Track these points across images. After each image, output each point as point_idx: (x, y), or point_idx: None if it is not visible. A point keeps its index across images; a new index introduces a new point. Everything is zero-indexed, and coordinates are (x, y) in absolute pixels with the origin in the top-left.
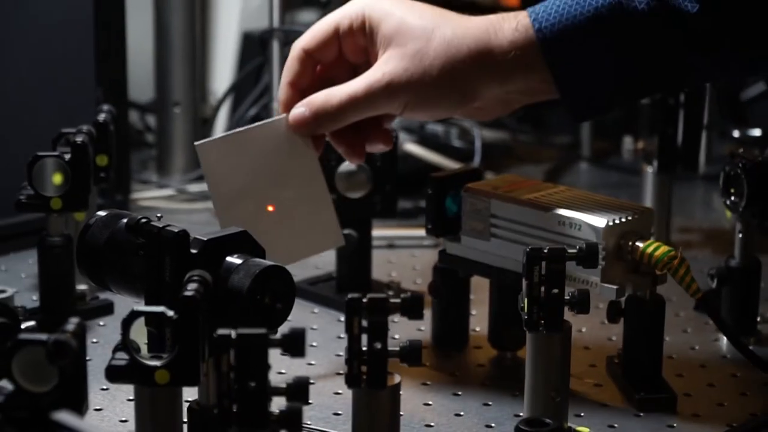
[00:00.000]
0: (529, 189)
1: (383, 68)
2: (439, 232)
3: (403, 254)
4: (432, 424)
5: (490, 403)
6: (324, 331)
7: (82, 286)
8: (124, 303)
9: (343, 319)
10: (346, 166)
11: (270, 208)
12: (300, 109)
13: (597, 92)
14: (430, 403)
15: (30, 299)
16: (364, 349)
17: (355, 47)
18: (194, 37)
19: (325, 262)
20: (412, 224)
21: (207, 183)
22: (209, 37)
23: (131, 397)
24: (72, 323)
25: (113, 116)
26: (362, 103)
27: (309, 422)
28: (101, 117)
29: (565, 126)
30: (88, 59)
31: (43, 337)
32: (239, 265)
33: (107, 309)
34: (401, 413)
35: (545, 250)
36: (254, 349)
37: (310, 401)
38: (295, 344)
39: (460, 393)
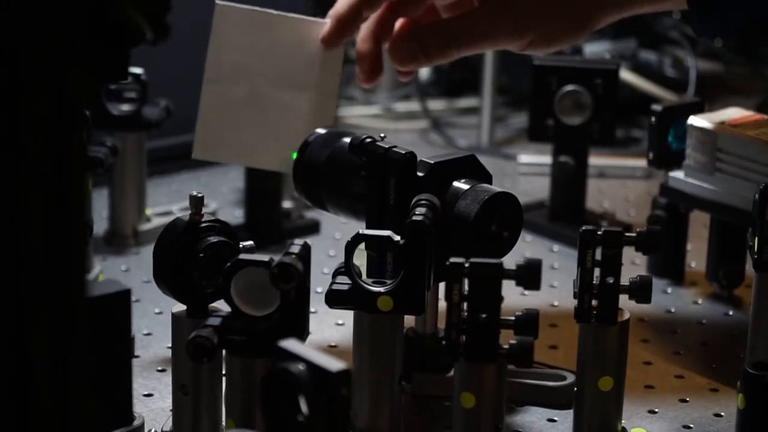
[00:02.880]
0: (756, 124)
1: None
2: (662, 164)
3: (614, 184)
4: (650, 361)
5: (707, 343)
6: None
7: (287, 204)
8: (330, 222)
9: (556, 249)
10: (568, 89)
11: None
12: (405, 41)
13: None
14: (648, 339)
15: (233, 215)
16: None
17: None
18: None
19: (536, 188)
20: (624, 153)
21: (210, 46)
22: None
23: (340, 321)
24: (297, 245)
25: None
26: (480, 36)
27: None
28: None
29: None
30: None
31: (266, 258)
32: (466, 190)
33: (313, 228)
34: None
35: None
36: (488, 279)
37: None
38: (530, 276)
39: (678, 331)
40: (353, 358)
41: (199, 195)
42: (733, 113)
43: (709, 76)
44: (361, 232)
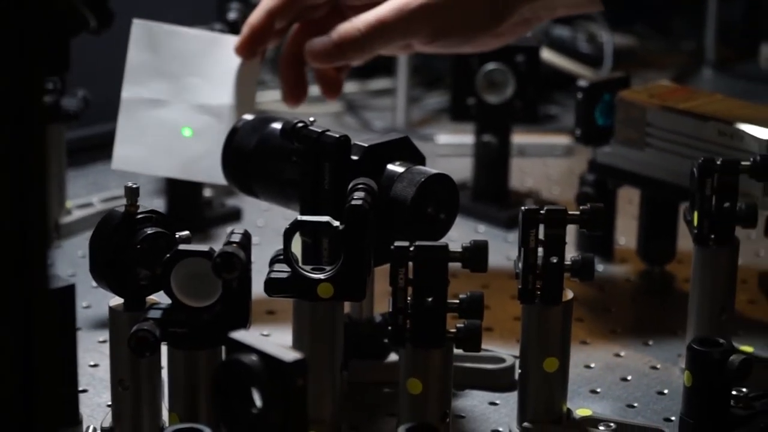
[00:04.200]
0: (684, 97)
1: None
2: (589, 141)
3: (535, 163)
4: (587, 341)
5: (642, 320)
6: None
7: (208, 192)
8: (253, 210)
9: (481, 229)
10: (489, 67)
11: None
12: (320, 39)
13: None
14: (583, 318)
15: (153, 205)
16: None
17: None
18: None
19: (456, 169)
20: (543, 131)
21: (127, 61)
22: None
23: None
24: (237, 233)
25: (244, 15)
26: (392, 28)
27: None
28: (231, 15)
29: (690, 31)
30: None
31: (206, 248)
32: (402, 173)
33: (235, 216)
34: None
35: (718, 162)
36: (434, 262)
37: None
38: (477, 258)
39: (612, 309)
40: (293, 346)
41: (135, 186)
42: (662, 87)
43: (623, 51)
44: (299, 218)
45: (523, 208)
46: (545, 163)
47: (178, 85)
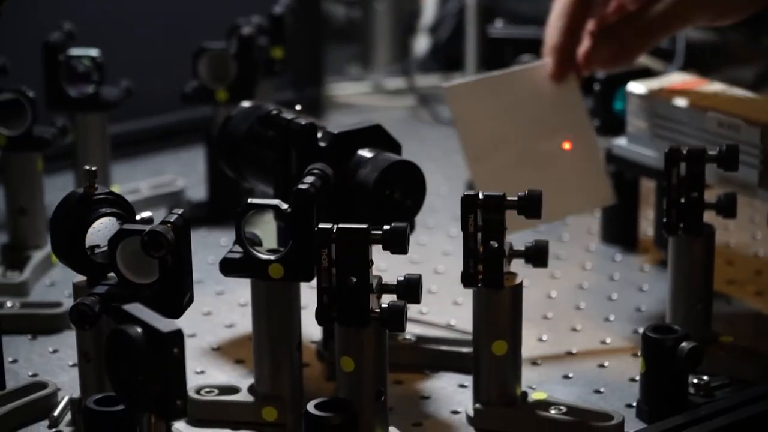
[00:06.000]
0: (696, 89)
1: None
2: (607, 131)
3: None
4: (578, 327)
5: (642, 309)
6: None
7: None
8: None
9: None
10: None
11: (530, 161)
12: (607, 46)
13: None
14: (582, 306)
15: (203, 192)
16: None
17: None
18: None
19: None
20: None
21: (456, 129)
22: None
23: (242, 302)
24: (174, 214)
25: (292, 9)
26: (684, 23)
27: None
28: (277, 9)
29: None
30: None
31: (146, 228)
32: (369, 159)
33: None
34: (549, 315)
35: (684, 151)
36: (355, 244)
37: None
38: (396, 240)
39: (614, 297)
40: (252, 325)
41: (93, 169)
42: (675, 78)
43: (706, 46)
44: (250, 201)
45: (463, 194)
46: None
47: (514, 130)
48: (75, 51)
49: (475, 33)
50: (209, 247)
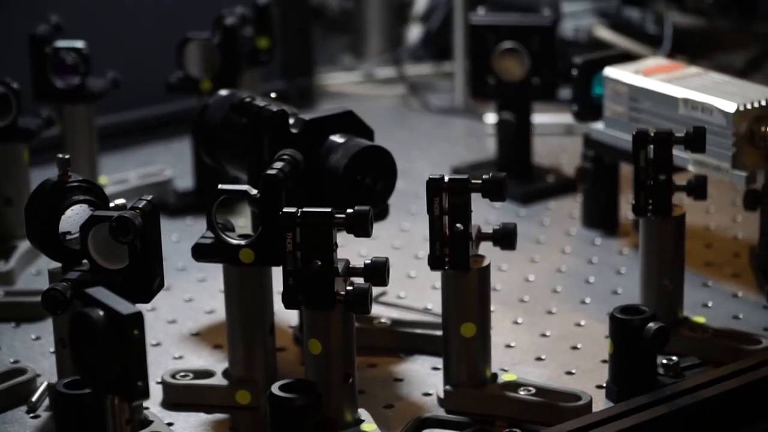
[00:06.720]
0: (671, 72)
1: None
2: (586, 117)
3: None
4: (554, 310)
5: (618, 292)
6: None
7: None
8: None
9: (497, 204)
10: (503, 46)
11: None
12: None
13: None
14: (559, 289)
15: (191, 182)
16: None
17: None
18: None
19: (486, 146)
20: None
21: None
22: None
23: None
24: (144, 200)
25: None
26: None
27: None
28: None
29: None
30: None
31: (115, 214)
32: (340, 144)
33: None
34: (525, 299)
35: (652, 133)
36: (318, 227)
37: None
38: (359, 223)
39: (591, 280)
40: (225, 310)
41: (66, 157)
42: (651, 63)
43: (695, 32)
44: (219, 186)
45: (429, 177)
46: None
47: None
48: (61, 43)
49: (462, 21)
50: (195, 235)
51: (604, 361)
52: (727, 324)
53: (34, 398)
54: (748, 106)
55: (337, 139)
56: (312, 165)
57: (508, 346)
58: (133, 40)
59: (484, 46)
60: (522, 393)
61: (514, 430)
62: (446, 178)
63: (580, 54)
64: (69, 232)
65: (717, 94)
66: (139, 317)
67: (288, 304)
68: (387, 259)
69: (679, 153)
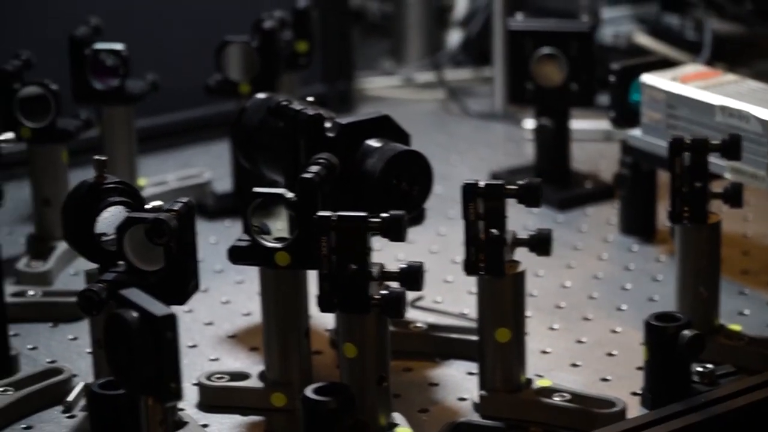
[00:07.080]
0: (708, 80)
1: None
2: (623, 123)
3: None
4: (590, 317)
5: (655, 299)
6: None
7: None
8: None
9: (534, 210)
10: (542, 52)
11: None
12: None
13: None
14: (595, 295)
15: (229, 184)
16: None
17: None
18: None
19: (524, 152)
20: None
21: None
22: None
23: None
24: (180, 202)
25: (317, 2)
26: None
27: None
28: (300, 3)
29: None
30: None
31: (151, 216)
32: (376, 148)
33: None
34: (562, 305)
35: (687, 141)
36: (353, 232)
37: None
38: (394, 228)
39: (628, 287)
40: (261, 313)
41: (103, 158)
42: (689, 70)
43: (735, 39)
44: (255, 190)
45: (463, 183)
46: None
47: None
48: (100, 45)
49: (502, 27)
50: (233, 237)
51: (640, 368)
52: (763, 332)
53: (70, 398)
54: None
55: (373, 143)
56: (348, 169)
57: (544, 351)
58: (173, 43)
59: (522, 52)
60: (557, 399)
61: None
62: (481, 184)
63: (619, 60)
64: (105, 234)
65: (754, 101)
66: (172, 319)
67: (323, 307)
68: (422, 264)
69: (716, 160)
